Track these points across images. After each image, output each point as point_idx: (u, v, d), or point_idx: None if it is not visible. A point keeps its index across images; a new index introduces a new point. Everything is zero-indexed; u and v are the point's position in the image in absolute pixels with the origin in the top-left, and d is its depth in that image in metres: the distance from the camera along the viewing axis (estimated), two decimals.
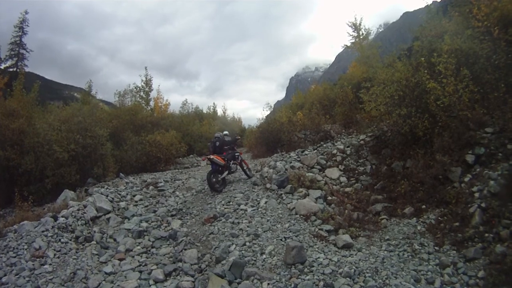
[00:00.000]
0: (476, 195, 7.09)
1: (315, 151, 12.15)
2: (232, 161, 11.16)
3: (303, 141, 14.19)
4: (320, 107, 17.69)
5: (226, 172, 10.84)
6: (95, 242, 7.95)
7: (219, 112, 31.50)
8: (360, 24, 23.20)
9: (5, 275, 6.64)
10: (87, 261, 7.22)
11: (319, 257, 6.40)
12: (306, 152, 12.15)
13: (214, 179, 10.42)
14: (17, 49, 35.70)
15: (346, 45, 24.81)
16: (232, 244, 7.22)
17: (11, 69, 33.95)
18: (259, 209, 8.67)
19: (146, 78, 23.61)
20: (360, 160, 10.98)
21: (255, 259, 6.59)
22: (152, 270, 6.80)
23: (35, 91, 15.31)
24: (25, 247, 7.47)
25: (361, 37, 23.24)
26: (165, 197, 10.51)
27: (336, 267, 6.07)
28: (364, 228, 7.88)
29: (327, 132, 14.23)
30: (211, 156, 10.49)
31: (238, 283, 6.01)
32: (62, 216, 8.68)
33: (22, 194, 10.24)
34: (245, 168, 11.56)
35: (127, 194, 10.55)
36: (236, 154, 11.50)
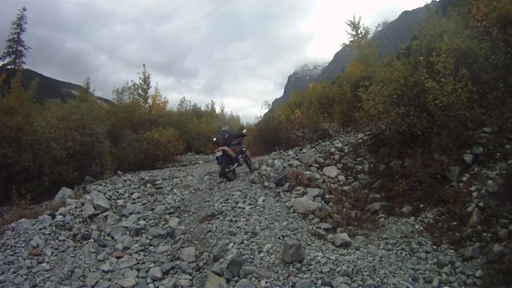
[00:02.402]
0: (474, 194, 7.12)
1: (313, 149, 12.16)
2: (240, 155, 11.69)
3: (301, 140, 14.21)
4: (318, 105, 17.74)
5: (236, 164, 11.49)
6: (92, 240, 7.92)
7: (217, 110, 31.41)
8: (358, 23, 23.23)
9: (2, 273, 6.61)
10: (84, 259, 7.21)
11: (317, 256, 6.41)
12: (304, 150, 12.15)
13: (227, 169, 11.10)
14: (15, 46, 35.55)
15: (345, 44, 24.84)
16: (230, 242, 7.22)
17: (9, 66, 33.83)
18: (257, 207, 8.67)
19: (144, 75, 23.49)
20: (358, 158, 10.99)
21: (253, 257, 6.59)
22: (149, 268, 6.78)
23: (33, 88, 15.21)
24: (23, 245, 7.44)
25: (360, 35, 23.26)
26: (163, 195, 10.48)
27: (334, 265, 6.08)
28: (362, 226, 7.91)
29: (325, 130, 14.26)
30: (226, 148, 11.01)
31: (236, 281, 6.01)
32: (59, 214, 8.64)
33: (20, 192, 10.20)
34: (248, 162, 12.09)
35: (125, 191, 10.52)
36: (243, 149, 12.01)
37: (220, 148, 11.08)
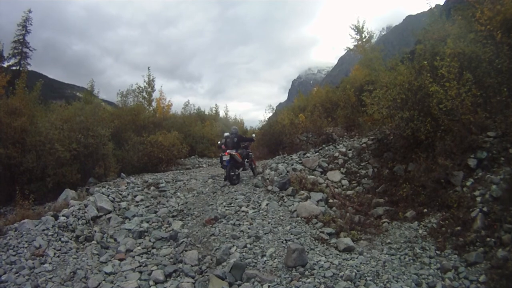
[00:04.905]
0: (478, 199, 7.08)
1: (317, 153, 12.14)
2: (246, 160, 11.71)
3: (305, 144, 14.20)
4: (322, 109, 17.69)
5: (241, 169, 11.58)
6: (95, 242, 7.94)
7: (221, 113, 31.47)
8: (363, 27, 23.24)
9: (4, 273, 6.65)
10: (87, 260, 7.22)
11: (320, 260, 6.39)
12: (308, 154, 12.14)
13: (232, 173, 11.13)
14: (20, 47, 35.69)
15: (349, 48, 24.83)
16: (233, 246, 7.21)
17: (14, 68, 33.94)
18: (260, 211, 8.66)
19: (148, 78, 23.57)
20: (362, 163, 10.96)
21: (256, 261, 6.57)
22: (152, 271, 6.78)
23: (37, 89, 15.33)
24: (25, 245, 7.48)
25: (364, 40, 23.26)
26: (166, 198, 10.49)
27: (337, 270, 6.06)
28: (365, 231, 7.87)
29: (329, 134, 14.22)
30: (233, 152, 11.03)
31: (239, 285, 6.01)
32: (62, 215, 8.68)
33: (23, 193, 10.26)
34: (253, 166, 12.12)
35: (128, 194, 10.54)
36: (250, 153, 12.05)
37: (228, 151, 11.08)
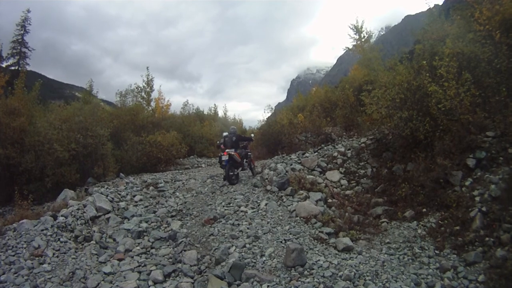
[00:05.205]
0: (477, 199, 7.08)
1: (316, 153, 12.14)
2: (245, 159, 11.66)
3: (303, 144, 14.20)
4: (321, 109, 17.69)
5: (240, 168, 11.55)
6: (94, 242, 7.93)
7: (220, 113, 31.41)
8: (361, 27, 23.26)
9: (3, 273, 6.64)
10: (86, 260, 7.21)
11: (319, 260, 6.39)
12: (306, 154, 12.14)
13: (231, 173, 11.10)
14: (19, 47, 35.61)
15: (348, 48, 24.83)
16: (232, 245, 7.20)
17: (12, 68, 33.87)
18: (259, 211, 8.66)
19: (147, 78, 23.51)
20: (361, 163, 10.96)
21: (255, 261, 6.57)
22: (151, 271, 6.78)
23: (36, 89, 15.31)
24: (24, 245, 7.46)
25: (363, 39, 23.27)
26: (165, 198, 10.48)
27: (336, 270, 6.06)
28: (364, 231, 7.86)
29: (328, 134, 14.24)
30: (232, 152, 10.99)
31: (238, 285, 6.00)
32: (61, 215, 8.66)
33: (22, 193, 10.24)
34: (252, 166, 12.06)
35: (127, 194, 10.52)
36: (249, 153, 11.97)
37: (226, 151, 11.06)
